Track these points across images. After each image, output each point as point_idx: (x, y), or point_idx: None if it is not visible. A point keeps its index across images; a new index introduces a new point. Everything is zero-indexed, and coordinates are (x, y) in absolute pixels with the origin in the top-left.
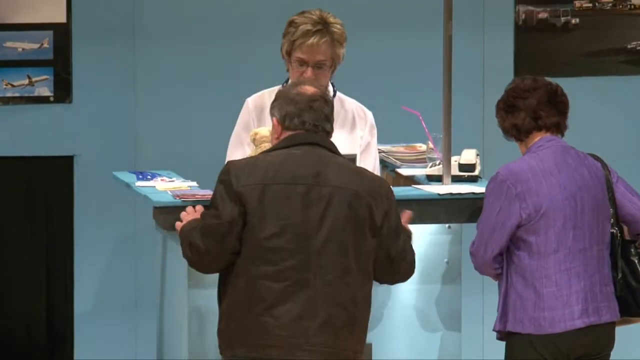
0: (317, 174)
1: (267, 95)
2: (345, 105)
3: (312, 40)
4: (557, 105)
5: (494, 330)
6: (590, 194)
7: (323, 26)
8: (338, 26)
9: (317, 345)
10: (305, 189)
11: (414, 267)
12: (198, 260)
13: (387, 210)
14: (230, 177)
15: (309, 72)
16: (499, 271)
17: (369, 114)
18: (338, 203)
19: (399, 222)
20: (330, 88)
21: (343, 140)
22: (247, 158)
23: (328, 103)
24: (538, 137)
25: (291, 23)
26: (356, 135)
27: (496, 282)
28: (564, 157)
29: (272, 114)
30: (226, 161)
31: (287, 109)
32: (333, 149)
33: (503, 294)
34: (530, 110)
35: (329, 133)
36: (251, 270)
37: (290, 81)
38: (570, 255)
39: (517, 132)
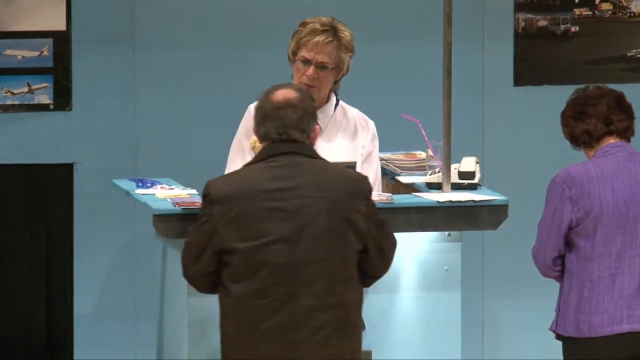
0: (292, 187)
1: None
2: (348, 114)
3: (318, 38)
4: (626, 110)
5: (549, 329)
6: None
7: (331, 28)
8: (347, 33)
9: (309, 356)
10: (279, 204)
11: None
12: None
13: (368, 208)
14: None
15: (310, 70)
16: (559, 273)
17: (371, 124)
18: (317, 213)
19: (378, 212)
20: (334, 98)
21: (344, 148)
22: (226, 175)
23: (296, 108)
24: (607, 142)
25: (301, 23)
26: (358, 144)
27: (494, 290)
28: (627, 163)
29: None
30: (227, 166)
31: (257, 118)
32: (309, 154)
33: (558, 297)
34: (602, 115)
35: (296, 140)
36: (236, 287)
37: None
38: (617, 260)
39: (589, 138)
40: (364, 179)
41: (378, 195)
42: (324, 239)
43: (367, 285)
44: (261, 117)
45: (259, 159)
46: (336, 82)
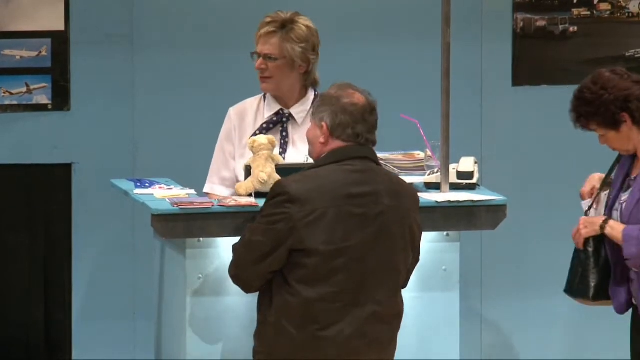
0: (371, 192)
1: (249, 103)
2: None
3: (263, 30)
4: None
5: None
6: None
7: (281, 23)
8: (301, 25)
9: None
10: (361, 210)
11: None
12: None
13: (419, 221)
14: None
15: (258, 61)
16: None
17: None
18: (391, 223)
19: None
20: (311, 93)
21: None
22: (299, 175)
23: (375, 112)
24: None
25: None
26: None
27: (493, 291)
28: None
29: (319, 119)
30: (210, 173)
31: (341, 118)
32: (377, 161)
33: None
34: None
35: (375, 143)
36: (306, 290)
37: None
38: None
39: None
40: (414, 188)
41: None
42: (393, 249)
43: None
44: (349, 118)
45: (333, 160)
46: (307, 75)
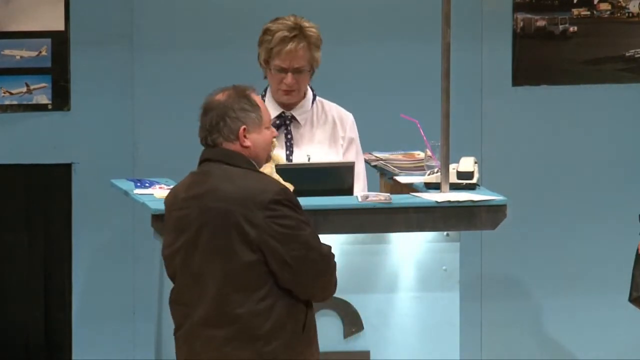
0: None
1: None
2: (326, 109)
3: (290, 46)
4: None
5: None
6: None
7: (299, 31)
8: (313, 30)
9: None
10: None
11: (325, 264)
12: None
13: (269, 216)
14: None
15: (289, 78)
16: None
17: (350, 115)
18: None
19: (295, 222)
20: (310, 93)
21: (325, 142)
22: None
23: (208, 112)
24: None
25: (266, 31)
26: (337, 138)
27: (493, 291)
28: None
29: None
30: None
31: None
32: (222, 159)
33: None
34: None
35: (215, 143)
36: None
37: (269, 88)
38: None
39: None
40: (269, 185)
41: (376, 195)
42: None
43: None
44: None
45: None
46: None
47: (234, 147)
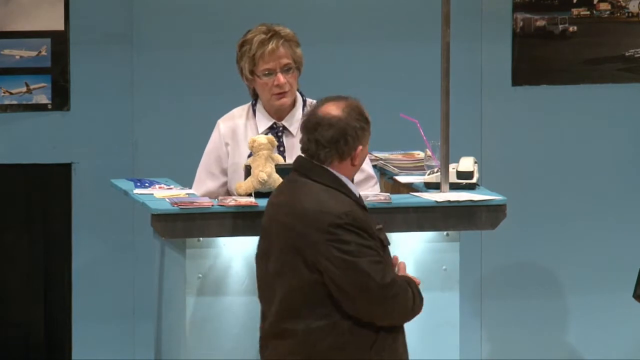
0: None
1: (237, 114)
2: None
3: (271, 46)
4: None
5: None
6: None
7: (274, 32)
8: (287, 30)
9: None
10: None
11: (383, 293)
12: None
13: (329, 240)
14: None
15: (280, 78)
16: None
17: None
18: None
19: (355, 248)
20: (300, 99)
21: None
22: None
23: (324, 126)
24: None
25: (243, 43)
26: None
27: (493, 291)
28: None
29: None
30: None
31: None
32: (307, 174)
33: None
34: None
35: (326, 159)
36: None
37: (260, 99)
38: None
39: None
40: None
41: (376, 194)
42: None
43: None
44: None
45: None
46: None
47: (344, 164)
